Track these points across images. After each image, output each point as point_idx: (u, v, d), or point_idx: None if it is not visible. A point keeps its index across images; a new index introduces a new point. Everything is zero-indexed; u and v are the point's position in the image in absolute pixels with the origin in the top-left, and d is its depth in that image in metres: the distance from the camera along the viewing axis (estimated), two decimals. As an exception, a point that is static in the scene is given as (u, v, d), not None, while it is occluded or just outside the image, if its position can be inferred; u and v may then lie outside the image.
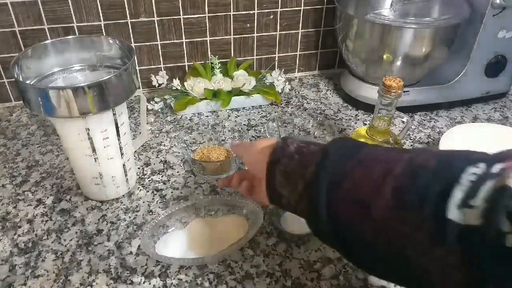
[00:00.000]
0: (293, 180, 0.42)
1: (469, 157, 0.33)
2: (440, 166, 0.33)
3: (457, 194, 0.30)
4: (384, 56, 0.81)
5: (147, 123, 0.82)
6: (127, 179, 0.66)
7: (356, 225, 0.37)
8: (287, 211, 0.57)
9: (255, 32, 0.94)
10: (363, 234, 0.36)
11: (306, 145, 0.44)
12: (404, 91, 0.66)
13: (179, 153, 0.76)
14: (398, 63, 0.81)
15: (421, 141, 0.80)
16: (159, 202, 0.66)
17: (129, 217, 0.63)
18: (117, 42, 0.62)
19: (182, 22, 0.89)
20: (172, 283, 0.53)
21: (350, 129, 0.83)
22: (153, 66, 0.93)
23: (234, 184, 0.55)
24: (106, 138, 0.59)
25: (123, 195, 0.67)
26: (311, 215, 0.41)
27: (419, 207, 0.32)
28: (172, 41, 0.90)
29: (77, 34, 0.84)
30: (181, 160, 0.74)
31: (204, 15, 0.89)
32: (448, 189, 0.31)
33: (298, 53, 1.00)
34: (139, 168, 0.72)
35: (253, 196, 0.54)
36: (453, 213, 0.30)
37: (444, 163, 0.33)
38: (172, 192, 0.67)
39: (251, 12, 0.91)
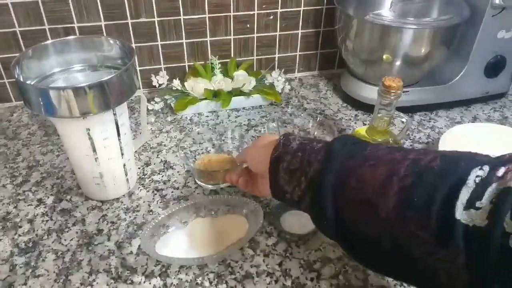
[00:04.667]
0: (296, 177, 0.43)
1: (474, 159, 0.34)
2: (446, 167, 0.34)
3: (464, 195, 0.31)
4: (384, 57, 0.81)
5: (147, 123, 0.82)
6: (127, 179, 0.66)
7: (362, 224, 0.37)
8: (291, 209, 0.60)
9: (255, 33, 0.94)
10: (369, 232, 0.37)
11: (308, 142, 0.44)
12: (403, 91, 0.67)
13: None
14: (398, 63, 0.81)
15: (420, 141, 0.80)
16: (159, 202, 0.66)
17: (130, 217, 0.63)
18: (118, 42, 0.62)
19: (182, 22, 0.89)
20: (172, 282, 0.54)
21: (350, 129, 0.83)
22: (153, 67, 0.93)
23: (233, 180, 0.57)
24: (107, 138, 0.59)
25: (124, 195, 0.67)
26: (315, 212, 0.42)
27: (426, 206, 0.32)
28: (173, 42, 0.91)
29: (77, 34, 0.85)
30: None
31: (204, 15, 0.89)
32: (455, 190, 0.31)
33: (298, 53, 1.00)
34: (139, 168, 0.73)
35: (252, 190, 0.56)
36: (460, 213, 0.30)
37: (450, 165, 0.34)
38: (172, 192, 0.68)
39: (251, 12, 0.91)
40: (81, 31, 0.85)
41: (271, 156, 0.45)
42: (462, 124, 0.77)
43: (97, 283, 0.54)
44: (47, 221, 0.62)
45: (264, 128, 0.83)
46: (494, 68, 0.85)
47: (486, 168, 0.32)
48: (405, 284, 0.53)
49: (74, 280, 0.54)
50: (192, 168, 0.68)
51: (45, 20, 0.82)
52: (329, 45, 1.00)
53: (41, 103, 0.52)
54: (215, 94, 0.87)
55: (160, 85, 0.92)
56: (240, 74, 0.91)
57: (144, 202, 0.66)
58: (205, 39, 0.92)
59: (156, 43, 0.90)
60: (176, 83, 0.88)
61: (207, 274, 0.55)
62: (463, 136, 0.73)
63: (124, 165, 0.64)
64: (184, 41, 0.91)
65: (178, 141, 0.71)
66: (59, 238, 0.60)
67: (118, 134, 0.60)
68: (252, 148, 0.52)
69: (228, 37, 0.93)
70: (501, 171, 0.31)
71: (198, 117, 0.87)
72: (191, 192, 0.68)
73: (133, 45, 0.89)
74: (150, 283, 0.53)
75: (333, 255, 0.57)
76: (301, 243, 0.59)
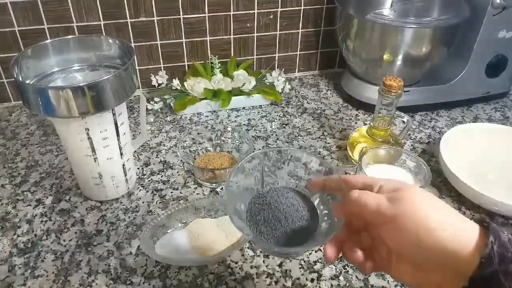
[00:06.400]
0: None
1: None
2: None
3: None
4: (385, 56, 0.81)
5: (146, 123, 0.82)
6: (126, 179, 0.65)
7: None
8: None
9: (255, 32, 0.94)
10: None
11: None
12: (404, 91, 0.66)
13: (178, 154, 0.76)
14: (399, 63, 0.81)
15: (421, 141, 0.80)
16: (159, 202, 0.65)
17: (129, 217, 0.63)
18: (117, 42, 0.62)
19: (182, 22, 0.88)
20: (171, 283, 0.53)
21: (351, 129, 0.83)
22: (152, 66, 0.93)
23: (330, 254, 0.37)
24: (106, 138, 0.58)
25: (123, 195, 0.66)
26: None
27: None
28: (172, 41, 0.90)
29: (76, 34, 0.84)
30: (181, 161, 0.74)
31: (204, 15, 0.89)
32: None
33: (298, 53, 1.00)
34: (138, 168, 0.72)
35: (375, 265, 0.38)
36: None
37: None
38: (171, 192, 0.67)
39: (251, 12, 0.91)
40: (80, 31, 0.84)
41: (476, 271, 0.31)
42: (463, 124, 0.77)
43: (96, 283, 0.53)
44: (46, 221, 0.62)
45: (263, 128, 0.83)
46: (495, 67, 0.85)
47: None
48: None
49: (73, 281, 0.54)
50: (192, 166, 0.68)
51: (44, 20, 0.82)
52: (329, 45, 1.00)
53: (40, 102, 0.52)
54: (215, 94, 0.87)
55: (159, 84, 0.91)
56: (240, 74, 0.90)
57: (143, 202, 0.65)
58: (205, 38, 0.92)
59: (156, 42, 0.90)
60: (176, 82, 0.88)
61: (207, 275, 0.54)
62: (464, 136, 0.73)
63: (123, 165, 0.64)
64: (183, 40, 0.91)
65: (178, 141, 0.71)
66: (58, 239, 0.59)
67: (117, 134, 0.60)
68: (408, 222, 0.33)
69: (228, 37, 0.93)
70: None
71: (197, 117, 0.87)
72: (191, 192, 0.67)
73: (132, 44, 0.88)
74: (149, 284, 0.53)
75: (334, 255, 0.57)
76: (301, 243, 0.59)
